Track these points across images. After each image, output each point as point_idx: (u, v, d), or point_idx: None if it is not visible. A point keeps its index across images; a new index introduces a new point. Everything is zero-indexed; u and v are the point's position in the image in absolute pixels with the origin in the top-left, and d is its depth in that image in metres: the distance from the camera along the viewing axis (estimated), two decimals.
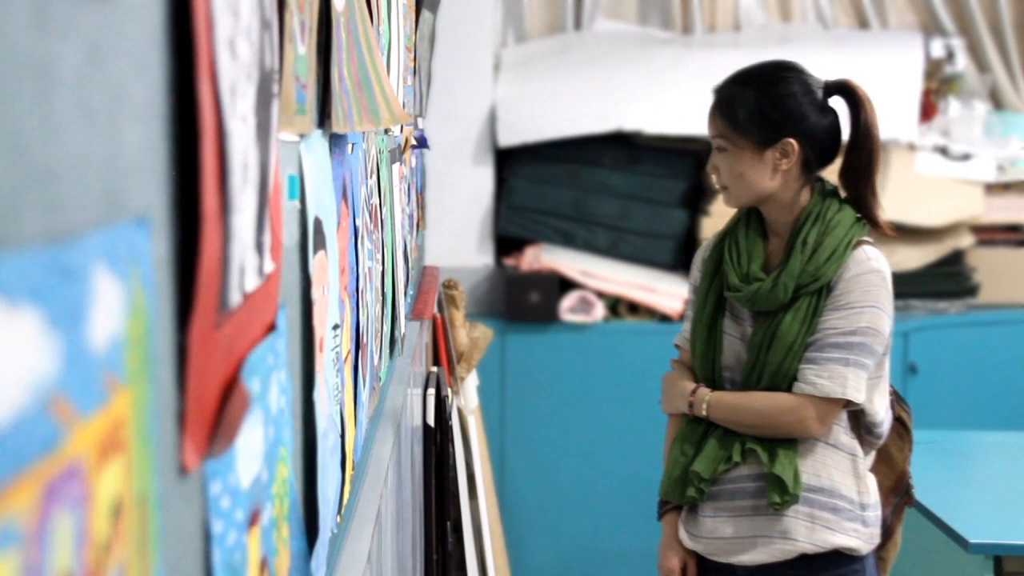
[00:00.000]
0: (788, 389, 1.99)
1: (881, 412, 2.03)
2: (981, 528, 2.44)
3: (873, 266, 1.98)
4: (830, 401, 1.96)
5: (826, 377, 1.95)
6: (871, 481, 2.04)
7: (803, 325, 1.97)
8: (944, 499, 2.57)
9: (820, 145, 2.01)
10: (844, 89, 2.04)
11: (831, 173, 2.08)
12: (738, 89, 2.02)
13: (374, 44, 1.32)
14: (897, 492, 2.18)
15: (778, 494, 1.97)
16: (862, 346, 1.95)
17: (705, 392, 2.05)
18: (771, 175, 2.00)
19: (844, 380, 1.94)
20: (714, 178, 2.07)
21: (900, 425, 2.17)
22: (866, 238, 2.03)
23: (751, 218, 2.08)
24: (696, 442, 2.07)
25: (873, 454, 2.08)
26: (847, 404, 1.97)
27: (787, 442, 1.99)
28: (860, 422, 2.04)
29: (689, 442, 2.07)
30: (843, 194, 2.06)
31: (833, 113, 2.04)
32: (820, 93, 2.02)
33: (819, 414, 1.96)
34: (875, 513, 2.04)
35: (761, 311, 2.02)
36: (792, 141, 1.98)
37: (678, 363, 2.17)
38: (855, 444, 2.03)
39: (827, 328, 1.97)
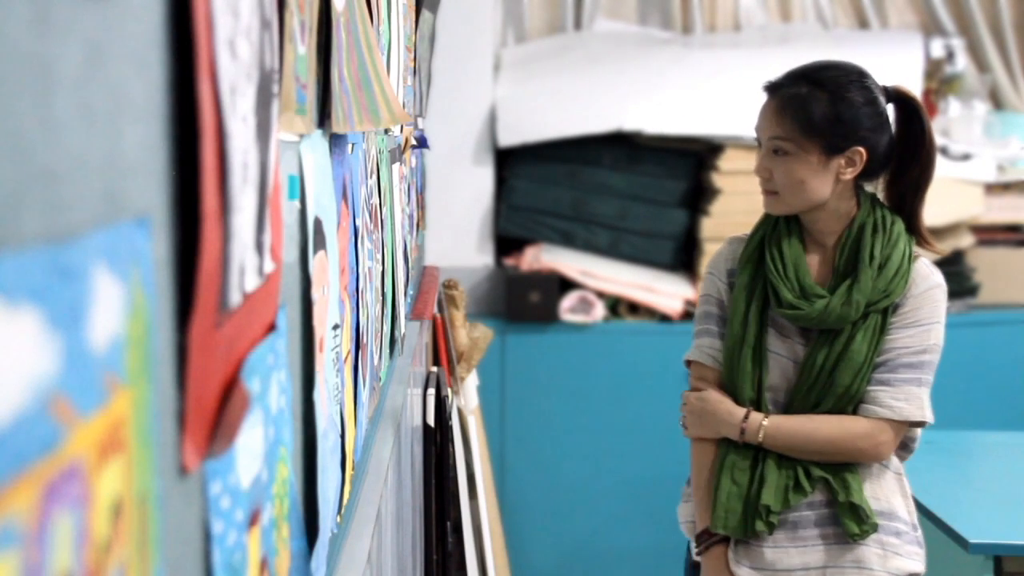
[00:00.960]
0: (853, 411, 1.90)
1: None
2: (981, 528, 2.44)
3: (937, 280, 1.95)
4: (904, 424, 1.89)
5: (903, 399, 1.88)
6: (912, 499, 1.99)
7: (871, 344, 1.89)
8: (944, 499, 2.56)
9: (881, 156, 1.91)
10: (902, 98, 1.95)
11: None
12: (808, 89, 1.88)
13: (374, 44, 1.32)
14: None
15: (856, 524, 1.88)
16: (930, 364, 1.91)
17: (759, 417, 1.91)
18: (833, 184, 1.89)
19: (921, 402, 1.88)
20: (761, 181, 1.93)
21: None
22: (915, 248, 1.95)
23: (791, 226, 1.94)
24: (748, 470, 1.93)
25: None
26: (913, 423, 1.91)
27: (850, 467, 1.91)
28: None
29: (740, 470, 1.93)
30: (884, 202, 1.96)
31: (889, 122, 1.94)
32: (883, 100, 1.92)
33: (895, 437, 1.89)
34: (921, 532, 1.98)
35: (816, 329, 1.91)
36: (861, 150, 1.87)
37: (704, 383, 1.99)
38: (899, 462, 1.97)
39: (898, 347, 1.90)
